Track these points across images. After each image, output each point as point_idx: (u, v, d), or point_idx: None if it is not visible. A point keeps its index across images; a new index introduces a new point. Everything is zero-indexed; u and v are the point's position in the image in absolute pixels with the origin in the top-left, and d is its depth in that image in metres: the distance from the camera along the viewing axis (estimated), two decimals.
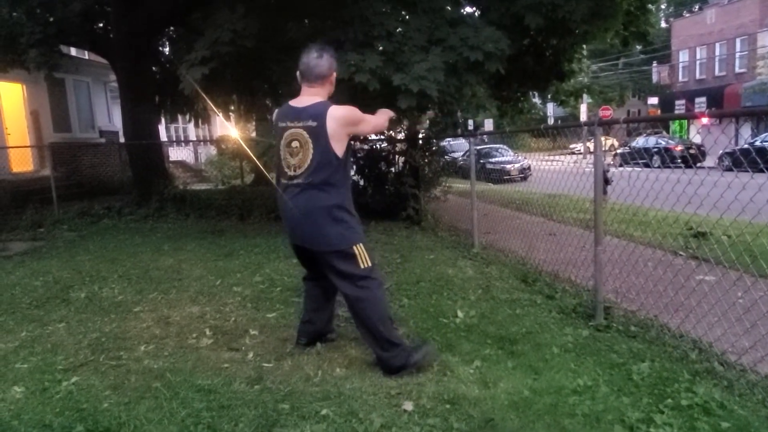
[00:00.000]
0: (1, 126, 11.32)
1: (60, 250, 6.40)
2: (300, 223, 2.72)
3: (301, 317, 3.13)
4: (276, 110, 2.91)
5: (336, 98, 2.85)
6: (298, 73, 2.77)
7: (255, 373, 2.75)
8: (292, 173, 2.70)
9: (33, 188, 10.42)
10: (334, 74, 2.83)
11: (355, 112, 2.75)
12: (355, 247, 2.67)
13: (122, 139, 12.40)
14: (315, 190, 2.66)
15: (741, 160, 3.72)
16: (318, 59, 2.72)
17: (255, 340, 3.23)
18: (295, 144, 2.68)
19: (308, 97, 2.74)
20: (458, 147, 13.97)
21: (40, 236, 7.59)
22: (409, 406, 2.37)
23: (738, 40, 25.75)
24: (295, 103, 2.76)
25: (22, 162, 11.44)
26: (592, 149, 3.58)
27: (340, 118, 2.66)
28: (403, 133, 8.29)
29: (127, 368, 2.89)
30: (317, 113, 2.65)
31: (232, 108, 13.88)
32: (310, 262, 2.93)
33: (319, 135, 2.63)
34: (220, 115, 13.58)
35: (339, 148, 2.66)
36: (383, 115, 3.01)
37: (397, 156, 8.15)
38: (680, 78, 30.46)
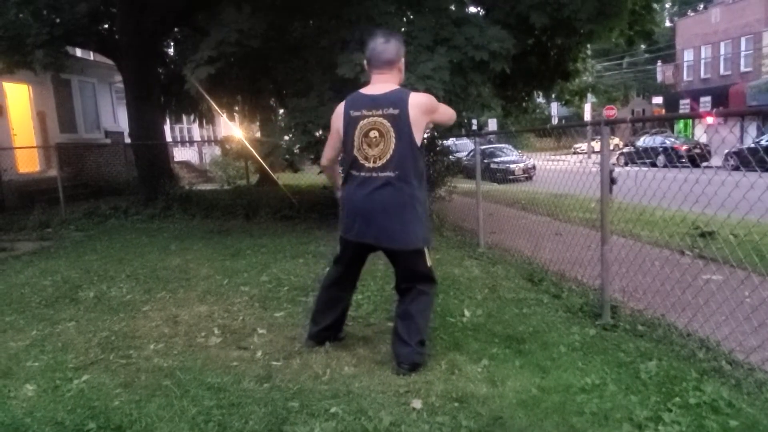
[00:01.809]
0: (7, 127, 11.39)
1: (68, 250, 6.45)
2: (378, 218, 2.56)
3: (315, 320, 2.96)
4: (344, 102, 2.71)
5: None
6: (365, 61, 2.70)
7: (264, 371, 2.77)
8: (371, 165, 2.55)
9: (40, 188, 10.50)
10: (403, 61, 2.73)
11: (434, 99, 2.71)
12: (426, 247, 2.67)
13: (128, 140, 12.45)
14: (401, 182, 2.53)
15: (748, 159, 3.71)
16: (385, 44, 2.62)
17: (263, 339, 3.25)
18: (374, 134, 2.54)
19: (382, 84, 2.62)
20: (462, 147, 13.98)
21: (48, 236, 7.64)
22: (417, 404, 2.38)
23: (743, 39, 25.64)
24: (368, 91, 2.63)
25: (29, 162, 11.51)
26: (596, 149, 3.59)
27: (422, 104, 2.59)
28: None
29: (137, 366, 2.91)
30: (398, 99, 2.55)
31: (237, 108, 13.93)
32: (358, 264, 2.82)
33: (401, 123, 2.53)
34: (225, 115, 13.63)
35: (419, 138, 2.58)
36: (449, 111, 2.91)
37: None
38: (685, 77, 30.35)
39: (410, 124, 2.53)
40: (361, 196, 2.57)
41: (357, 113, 2.59)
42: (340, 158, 2.90)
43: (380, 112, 2.55)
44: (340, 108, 2.69)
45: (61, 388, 2.66)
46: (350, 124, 2.60)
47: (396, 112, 2.53)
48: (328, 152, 2.90)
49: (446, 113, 2.82)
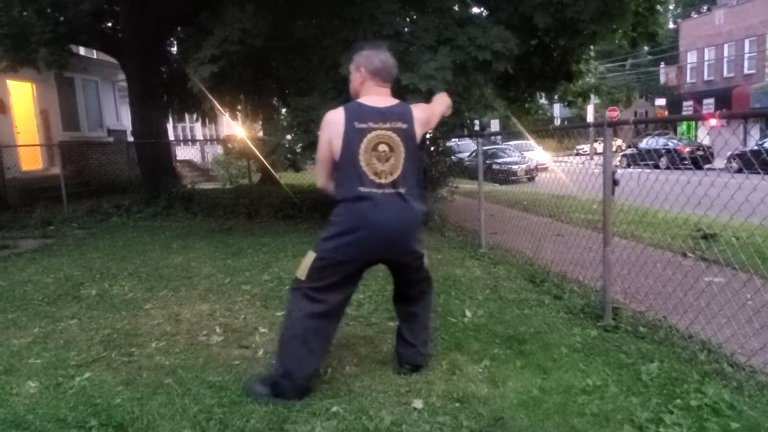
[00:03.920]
0: (11, 125, 11.41)
1: (70, 248, 6.46)
2: (397, 236, 2.46)
3: (303, 365, 2.45)
4: (340, 110, 2.50)
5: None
6: (364, 70, 2.56)
7: (265, 370, 2.77)
8: (381, 180, 2.43)
9: (42, 186, 10.52)
10: None
11: (429, 110, 2.69)
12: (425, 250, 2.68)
13: (130, 138, 12.49)
14: (412, 198, 2.49)
15: (751, 162, 3.70)
16: (392, 59, 2.60)
17: (265, 338, 3.25)
18: (383, 148, 2.44)
19: (383, 97, 2.55)
20: (465, 147, 13.98)
21: (50, 234, 7.66)
22: (418, 403, 2.38)
23: (747, 41, 25.59)
24: (371, 102, 2.51)
25: (32, 160, 11.53)
26: (599, 150, 3.59)
27: (421, 119, 2.57)
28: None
29: (139, 364, 2.92)
30: (404, 114, 2.51)
31: (239, 107, 13.93)
32: (357, 284, 2.63)
33: (409, 138, 2.49)
34: (227, 114, 13.64)
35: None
36: (442, 104, 2.83)
37: None
38: (688, 79, 30.30)
39: (416, 138, 2.53)
40: (377, 215, 2.41)
41: (363, 125, 2.45)
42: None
43: (388, 125, 2.46)
44: (337, 118, 2.47)
45: (63, 386, 2.67)
46: (354, 136, 2.44)
47: (405, 126, 2.49)
48: (323, 172, 2.59)
49: (434, 120, 2.77)
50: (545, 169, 13.58)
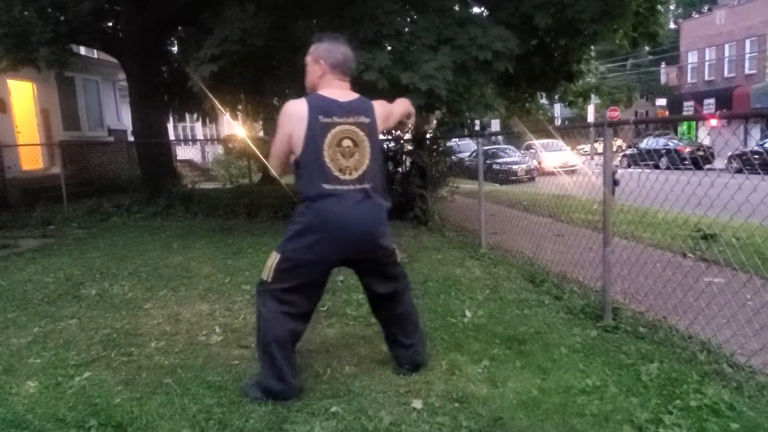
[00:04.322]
0: (11, 124, 11.42)
1: (70, 247, 6.47)
2: (364, 232, 2.39)
3: (292, 368, 2.48)
4: (303, 103, 2.38)
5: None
6: (324, 62, 2.47)
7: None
8: (346, 177, 2.36)
9: (43, 186, 10.53)
10: None
11: (387, 105, 2.65)
12: (394, 245, 2.61)
13: (131, 138, 12.49)
14: (377, 194, 2.44)
15: (751, 162, 3.70)
16: (352, 54, 2.53)
17: None
18: (347, 143, 2.37)
19: (344, 91, 2.47)
20: (465, 147, 13.98)
21: (51, 233, 7.66)
22: (418, 404, 2.38)
23: (748, 41, 25.58)
24: (333, 96, 2.42)
25: (32, 160, 11.54)
26: (599, 150, 3.58)
27: (383, 116, 2.54)
28: (410, 133, 8.31)
29: (138, 364, 2.92)
30: (366, 108, 2.46)
31: (240, 107, 13.92)
32: (325, 284, 2.54)
33: (372, 132, 2.44)
34: (228, 114, 13.64)
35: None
36: (402, 107, 2.80)
37: (404, 156, 8.17)
38: (689, 79, 30.29)
39: (377, 132, 2.48)
40: (343, 213, 2.34)
41: (327, 120, 2.35)
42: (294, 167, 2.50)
43: (351, 119, 2.39)
44: (301, 111, 2.35)
45: (62, 385, 2.67)
46: (318, 131, 2.33)
47: (368, 121, 2.43)
48: (280, 162, 2.49)
49: (392, 120, 2.70)
50: (573, 172, 12.26)
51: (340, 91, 2.46)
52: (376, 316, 2.76)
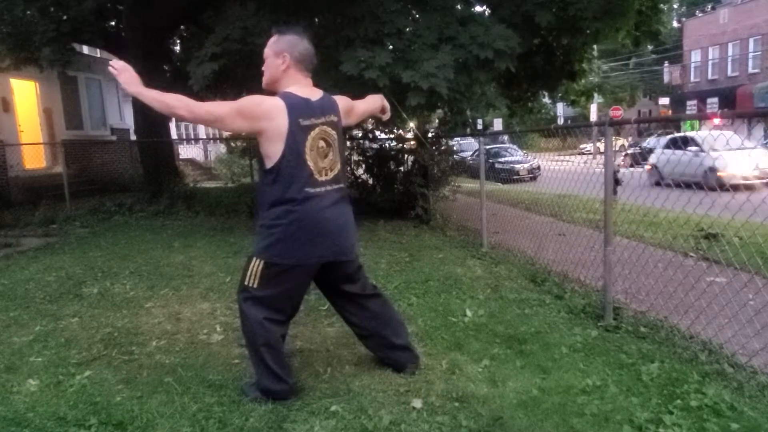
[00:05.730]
0: (14, 123, 11.44)
1: (72, 246, 6.48)
2: (342, 234, 2.37)
3: (287, 369, 2.49)
4: (281, 105, 2.25)
5: (345, 95, 2.81)
6: (288, 56, 2.33)
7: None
8: (323, 178, 2.30)
9: (45, 185, 10.55)
10: None
11: (349, 103, 2.59)
12: None
13: (133, 137, 12.50)
14: (345, 193, 2.39)
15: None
16: (314, 50, 2.41)
17: None
18: (322, 144, 2.30)
19: (311, 88, 2.39)
20: (467, 146, 13.97)
21: (53, 232, 7.68)
22: (418, 403, 2.38)
23: (751, 40, 25.48)
24: (303, 94, 2.32)
25: (35, 159, 11.57)
26: (602, 149, 3.57)
27: (345, 111, 2.48)
28: (412, 132, 8.30)
29: (139, 363, 2.92)
30: (333, 106, 2.39)
31: None
32: (307, 286, 2.48)
33: (339, 130, 2.39)
34: None
35: None
36: (371, 104, 2.75)
37: (406, 155, 8.16)
38: (692, 78, 30.19)
39: (342, 130, 2.43)
40: (326, 214, 2.29)
41: (307, 122, 2.26)
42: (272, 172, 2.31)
43: (323, 119, 2.31)
44: (278, 111, 2.22)
45: (63, 384, 2.68)
46: (299, 135, 2.24)
47: (336, 119, 2.37)
48: (201, 120, 2.43)
49: (354, 116, 2.64)
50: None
51: (309, 89, 2.37)
52: (359, 326, 2.66)
